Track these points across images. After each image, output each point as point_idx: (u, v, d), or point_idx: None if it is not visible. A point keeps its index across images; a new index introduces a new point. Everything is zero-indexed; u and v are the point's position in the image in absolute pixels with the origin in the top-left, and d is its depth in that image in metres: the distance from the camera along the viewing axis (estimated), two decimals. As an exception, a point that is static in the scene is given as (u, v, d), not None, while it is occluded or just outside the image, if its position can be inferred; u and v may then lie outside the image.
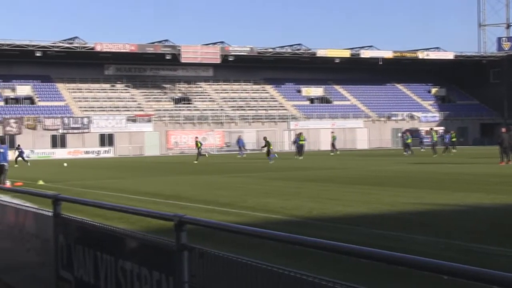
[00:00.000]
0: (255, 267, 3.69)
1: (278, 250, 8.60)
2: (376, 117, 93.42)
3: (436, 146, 54.72)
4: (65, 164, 48.36)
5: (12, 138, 72.57)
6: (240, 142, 64.82)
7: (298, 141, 53.38)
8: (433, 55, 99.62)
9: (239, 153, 61.81)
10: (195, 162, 47.75)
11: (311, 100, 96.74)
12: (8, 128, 73.70)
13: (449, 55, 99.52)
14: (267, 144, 48.71)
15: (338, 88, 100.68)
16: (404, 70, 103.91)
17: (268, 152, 47.92)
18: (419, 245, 11.00)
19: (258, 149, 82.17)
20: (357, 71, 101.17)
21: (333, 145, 62.80)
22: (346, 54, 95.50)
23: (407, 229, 12.75)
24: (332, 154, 59.58)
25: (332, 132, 67.73)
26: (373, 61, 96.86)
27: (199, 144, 52.67)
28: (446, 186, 22.36)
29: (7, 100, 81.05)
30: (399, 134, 62.30)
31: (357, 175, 29.72)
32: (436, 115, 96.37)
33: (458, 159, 44.33)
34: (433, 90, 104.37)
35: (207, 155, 50.08)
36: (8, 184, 27.15)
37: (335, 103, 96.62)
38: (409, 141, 57.03)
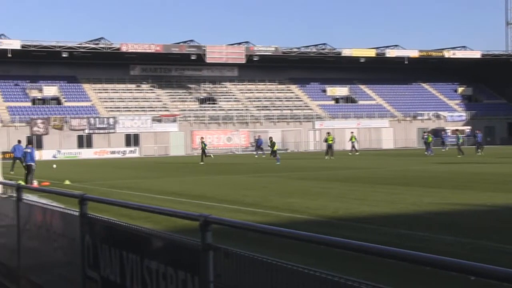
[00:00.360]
0: (280, 267, 3.69)
1: (303, 250, 8.59)
2: (401, 117, 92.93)
3: (462, 146, 54.08)
4: (54, 166, 47.12)
5: (39, 138, 73.30)
6: (259, 142, 64.52)
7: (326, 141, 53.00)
8: (459, 54, 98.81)
9: (262, 153, 61.61)
10: (201, 163, 46.75)
11: (336, 100, 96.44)
12: (35, 129, 74.39)
13: (476, 54, 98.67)
14: (272, 144, 48.25)
15: (363, 88, 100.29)
16: (430, 69, 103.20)
17: (274, 153, 47.46)
18: (445, 245, 10.93)
19: (283, 149, 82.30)
20: (383, 70, 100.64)
21: (353, 145, 61.97)
22: (372, 53, 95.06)
23: (433, 229, 12.68)
24: (355, 153, 58.83)
25: (352, 133, 67.11)
26: (398, 60, 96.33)
27: (203, 145, 51.46)
28: (472, 186, 22.19)
29: (34, 101, 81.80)
30: (425, 135, 61.58)
31: (383, 175, 29.60)
32: (463, 115, 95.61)
33: (484, 159, 43.97)
34: (460, 89, 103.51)
35: (212, 156, 48.64)
36: (35, 184, 27.44)
37: (360, 102, 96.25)
38: (429, 140, 56.70)
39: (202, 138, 55.24)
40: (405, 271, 7.70)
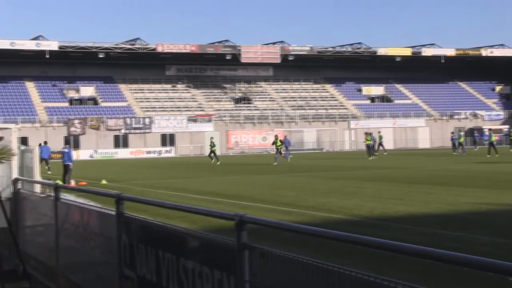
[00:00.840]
0: (315, 267, 3.69)
1: (338, 250, 8.57)
2: (438, 116, 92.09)
3: (497, 145, 52.56)
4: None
5: (76, 138, 74.08)
6: (286, 142, 62.93)
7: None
8: (497, 52, 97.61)
9: (288, 153, 60.48)
10: (218, 163, 45.81)
11: (372, 99, 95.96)
12: (72, 129, 75.24)
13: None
14: (276, 141, 46.53)
15: (399, 87, 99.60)
16: (467, 68, 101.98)
17: (279, 151, 45.89)
18: (482, 245, 10.81)
19: (318, 149, 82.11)
20: (419, 69, 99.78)
21: (381, 144, 58.07)
22: (407, 52, 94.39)
23: (469, 229, 12.55)
24: (379, 154, 55.81)
25: (379, 132, 65.04)
26: (435, 59, 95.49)
27: (212, 144, 49.36)
28: (510, 186, 21.89)
29: (71, 101, 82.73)
30: (461, 133, 60.53)
31: (418, 175, 29.36)
32: (501, 114, 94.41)
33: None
34: (498, 88, 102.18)
35: (213, 161, 46.50)
36: (72, 183, 27.75)
37: (396, 102, 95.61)
38: (461, 140, 55.98)
39: (211, 138, 52.22)
40: (441, 271, 7.65)
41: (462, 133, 59.40)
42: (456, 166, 35.95)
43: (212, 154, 49.01)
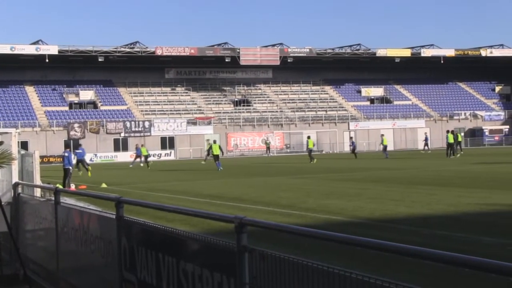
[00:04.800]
0: (316, 269, 3.67)
1: (339, 252, 8.55)
2: (438, 117, 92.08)
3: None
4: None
5: (76, 142, 74.05)
6: (138, 151, 54.83)
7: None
8: (497, 53, 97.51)
9: (140, 162, 54.07)
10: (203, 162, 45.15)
11: (371, 101, 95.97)
12: (72, 133, 75.23)
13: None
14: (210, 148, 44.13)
15: (399, 88, 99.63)
16: (467, 68, 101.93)
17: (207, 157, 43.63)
18: (485, 246, 10.79)
19: (318, 151, 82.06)
20: (418, 70, 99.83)
21: (458, 144, 53.36)
22: (407, 53, 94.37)
23: (472, 230, 12.52)
24: (456, 155, 50.71)
25: (449, 131, 59.38)
26: (434, 60, 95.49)
27: (219, 147, 42.90)
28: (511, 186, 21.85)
29: (71, 105, 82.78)
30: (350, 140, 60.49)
31: (419, 176, 29.34)
32: (501, 114, 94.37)
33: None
34: (497, 88, 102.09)
35: (203, 163, 45.35)
36: (72, 187, 27.77)
37: (396, 103, 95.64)
38: (385, 142, 56.49)
39: (214, 141, 45.74)
40: (443, 273, 7.63)
41: (384, 136, 59.83)
42: (457, 167, 35.92)
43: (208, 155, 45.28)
